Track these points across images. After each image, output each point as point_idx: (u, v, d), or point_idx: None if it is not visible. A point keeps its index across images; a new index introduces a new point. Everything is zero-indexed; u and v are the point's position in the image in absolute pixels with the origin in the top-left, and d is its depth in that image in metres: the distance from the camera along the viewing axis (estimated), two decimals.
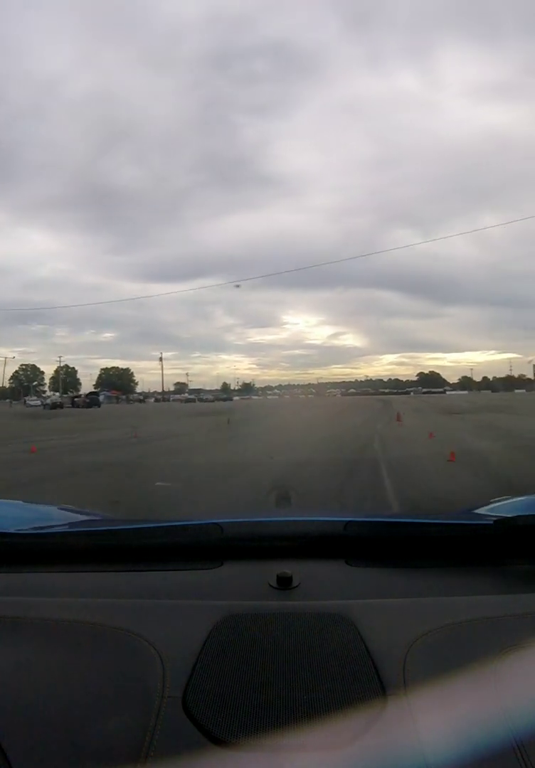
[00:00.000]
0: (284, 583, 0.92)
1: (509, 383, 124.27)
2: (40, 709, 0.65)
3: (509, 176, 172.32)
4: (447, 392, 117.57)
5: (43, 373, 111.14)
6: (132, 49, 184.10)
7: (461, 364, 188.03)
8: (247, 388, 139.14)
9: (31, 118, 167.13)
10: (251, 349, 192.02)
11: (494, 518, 1.09)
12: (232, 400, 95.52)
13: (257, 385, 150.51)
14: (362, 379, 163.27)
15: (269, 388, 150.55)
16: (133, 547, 1.09)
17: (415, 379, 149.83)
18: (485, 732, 0.59)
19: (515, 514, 1.09)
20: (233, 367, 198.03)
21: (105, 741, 0.60)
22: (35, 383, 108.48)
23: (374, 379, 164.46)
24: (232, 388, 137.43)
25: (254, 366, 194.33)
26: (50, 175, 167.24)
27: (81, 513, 1.52)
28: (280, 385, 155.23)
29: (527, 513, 1.13)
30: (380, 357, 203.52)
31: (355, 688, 0.67)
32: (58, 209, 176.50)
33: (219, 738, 0.60)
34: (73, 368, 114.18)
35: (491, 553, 1.02)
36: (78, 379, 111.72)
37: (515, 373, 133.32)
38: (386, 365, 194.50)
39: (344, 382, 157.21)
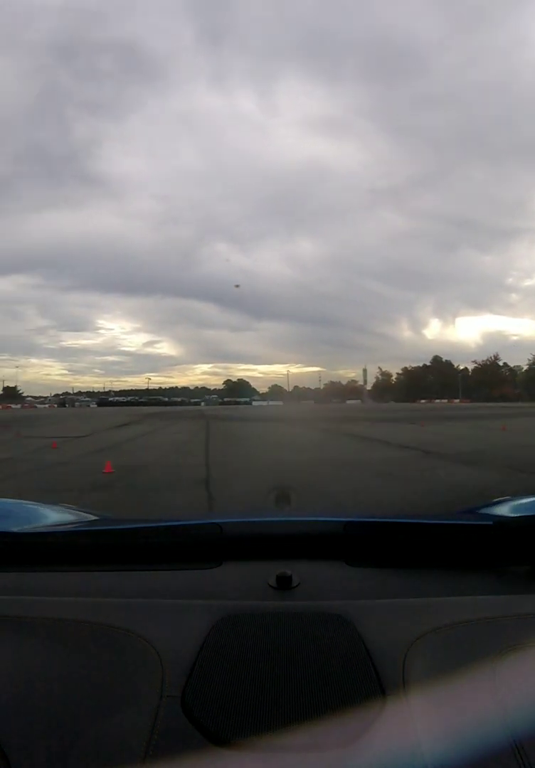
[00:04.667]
0: (284, 583, 0.92)
1: (332, 392, 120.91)
2: (38, 708, 0.65)
3: (326, 205, 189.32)
4: (252, 403, 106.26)
5: None
6: None
7: (269, 375, 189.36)
8: None
9: None
10: (64, 354, 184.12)
11: (494, 518, 1.10)
12: None
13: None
14: (177, 388, 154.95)
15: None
16: (132, 547, 1.08)
17: (222, 387, 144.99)
18: (483, 732, 0.59)
19: (515, 515, 1.10)
20: (43, 372, 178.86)
21: (104, 740, 0.60)
22: None
23: (190, 387, 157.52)
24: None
25: (66, 372, 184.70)
26: None
27: (81, 513, 1.51)
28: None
29: (527, 513, 1.13)
30: (194, 366, 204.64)
31: (354, 688, 0.67)
32: None
33: (218, 738, 0.60)
34: None
35: (490, 553, 1.01)
36: None
37: (321, 386, 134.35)
38: (200, 374, 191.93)
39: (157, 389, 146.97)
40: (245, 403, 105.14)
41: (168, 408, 65.56)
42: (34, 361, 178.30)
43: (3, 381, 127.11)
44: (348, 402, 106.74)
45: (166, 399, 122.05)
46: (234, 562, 1.02)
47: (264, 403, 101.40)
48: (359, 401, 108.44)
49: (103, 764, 0.58)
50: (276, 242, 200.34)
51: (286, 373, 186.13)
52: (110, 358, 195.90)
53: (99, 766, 0.57)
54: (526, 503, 1.35)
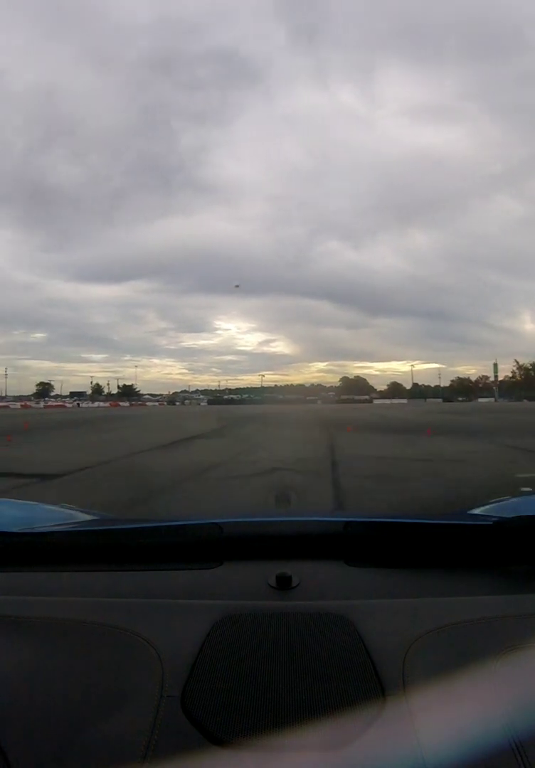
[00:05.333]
0: (284, 583, 0.91)
1: (461, 390, 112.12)
2: (38, 708, 0.65)
3: (439, 195, 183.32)
4: (373, 401, 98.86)
5: None
6: (76, 46, 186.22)
7: (386, 372, 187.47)
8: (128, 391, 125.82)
9: None
10: (183, 354, 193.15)
11: (494, 519, 1.09)
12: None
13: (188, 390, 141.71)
14: (292, 385, 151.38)
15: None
16: (132, 547, 1.08)
17: (338, 384, 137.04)
18: (484, 732, 0.59)
19: (514, 515, 1.10)
20: (164, 371, 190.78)
21: (104, 740, 0.60)
22: None
23: (305, 385, 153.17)
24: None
25: (186, 371, 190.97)
26: None
27: (81, 513, 1.50)
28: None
29: (526, 513, 1.13)
30: (309, 364, 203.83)
31: (354, 688, 0.67)
32: None
33: (218, 737, 0.60)
34: None
35: (490, 553, 1.01)
36: None
37: (443, 384, 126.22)
38: (315, 372, 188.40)
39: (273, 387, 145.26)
40: (365, 400, 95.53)
41: (281, 407, 57.52)
42: (155, 361, 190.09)
43: (121, 380, 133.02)
44: (480, 400, 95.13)
45: (281, 397, 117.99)
46: (234, 562, 1.01)
47: (386, 402, 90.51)
48: (491, 400, 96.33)
49: (103, 764, 0.57)
50: (389, 236, 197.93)
51: (403, 370, 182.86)
52: (227, 358, 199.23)
53: (99, 766, 0.57)
54: (526, 503, 1.36)
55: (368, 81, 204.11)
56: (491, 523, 1.06)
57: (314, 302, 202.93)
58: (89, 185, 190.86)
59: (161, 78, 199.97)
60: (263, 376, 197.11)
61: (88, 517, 1.45)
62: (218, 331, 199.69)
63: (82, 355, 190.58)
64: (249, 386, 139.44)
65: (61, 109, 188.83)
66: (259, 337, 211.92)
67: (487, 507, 1.34)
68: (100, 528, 1.31)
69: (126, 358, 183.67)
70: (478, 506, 1.36)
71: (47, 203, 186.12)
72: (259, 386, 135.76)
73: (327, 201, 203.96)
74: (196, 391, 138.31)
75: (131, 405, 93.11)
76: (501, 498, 1.41)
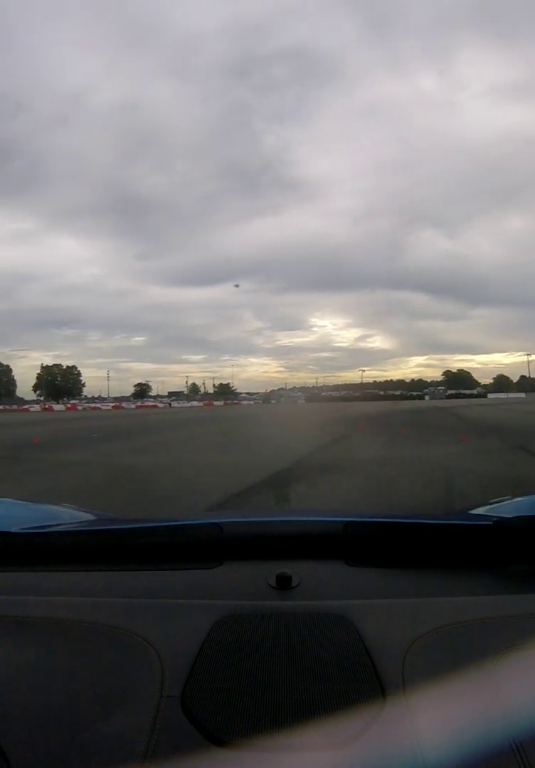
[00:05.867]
0: (284, 583, 0.91)
1: None
2: (38, 708, 0.65)
3: (533, 175, 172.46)
4: (488, 396, 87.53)
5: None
6: (154, 59, 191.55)
7: (489, 365, 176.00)
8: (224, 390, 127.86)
9: (60, 128, 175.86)
10: (279, 352, 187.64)
11: (494, 518, 1.09)
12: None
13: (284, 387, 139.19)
14: (392, 381, 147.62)
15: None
16: (132, 547, 1.08)
17: (440, 379, 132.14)
18: (483, 732, 0.59)
19: (514, 515, 1.09)
20: (261, 370, 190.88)
21: (104, 740, 0.60)
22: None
23: (405, 380, 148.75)
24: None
25: (282, 369, 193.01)
26: (79, 183, 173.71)
27: (81, 512, 1.50)
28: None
29: (526, 513, 1.13)
30: (408, 359, 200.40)
31: (354, 688, 0.67)
32: (87, 216, 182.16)
33: (218, 737, 0.60)
34: (7, 366, 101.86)
35: (490, 553, 1.01)
36: (13, 378, 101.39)
37: None
38: (414, 367, 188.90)
39: (369, 383, 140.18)
40: (478, 395, 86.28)
41: (393, 405, 51.36)
42: (252, 360, 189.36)
43: (218, 380, 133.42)
44: None
45: (382, 392, 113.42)
46: (234, 562, 1.02)
47: (502, 396, 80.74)
48: None
49: (103, 764, 0.57)
50: (484, 222, 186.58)
51: (507, 362, 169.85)
52: (323, 355, 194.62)
53: (99, 766, 0.57)
54: (526, 503, 1.35)
55: (446, 63, 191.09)
56: (491, 523, 1.06)
57: (410, 295, 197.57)
58: (178, 192, 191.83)
59: (238, 81, 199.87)
60: (363, 370, 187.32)
61: (88, 517, 1.44)
62: (314, 328, 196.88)
63: (182, 357, 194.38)
64: (347, 383, 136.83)
65: (146, 120, 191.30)
66: (355, 332, 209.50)
67: (487, 507, 1.33)
68: (100, 528, 1.30)
69: (224, 358, 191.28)
70: (478, 506, 1.35)
71: (140, 213, 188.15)
72: (359, 382, 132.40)
73: (417, 190, 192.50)
74: (293, 389, 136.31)
75: (225, 404, 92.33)
76: (501, 498, 1.39)
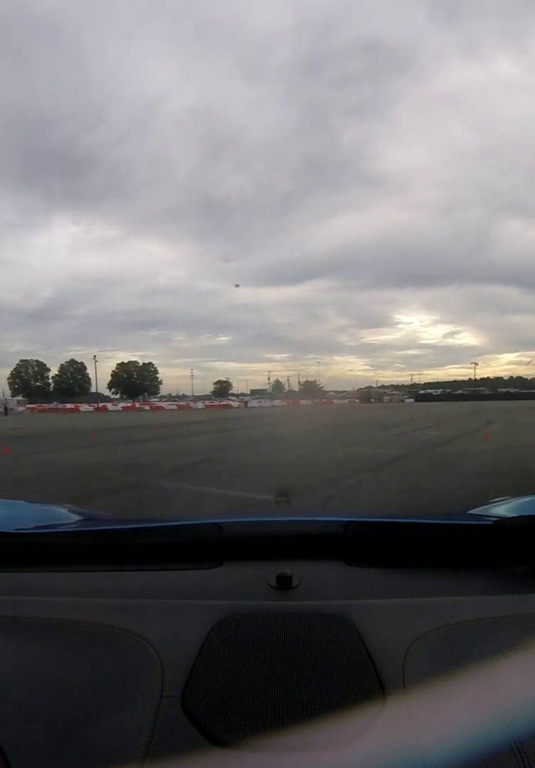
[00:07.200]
0: (284, 583, 0.91)
1: None
2: (38, 708, 0.65)
3: None
4: None
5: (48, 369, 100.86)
6: (227, 62, 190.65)
7: None
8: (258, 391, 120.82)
9: (140, 136, 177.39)
10: (365, 350, 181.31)
11: (494, 518, 1.09)
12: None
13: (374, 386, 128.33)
14: (480, 379, 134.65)
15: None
16: (133, 547, 1.08)
17: None
18: (484, 732, 0.59)
19: (514, 515, 1.10)
20: (346, 367, 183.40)
21: (104, 740, 0.60)
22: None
23: (502, 378, 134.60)
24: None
25: (368, 367, 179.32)
26: (161, 188, 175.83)
27: (81, 512, 1.50)
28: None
29: (526, 513, 1.12)
30: (498, 356, 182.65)
31: (354, 688, 0.67)
32: (170, 220, 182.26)
33: (218, 738, 0.60)
34: (82, 363, 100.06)
35: (490, 553, 1.01)
36: (88, 376, 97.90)
37: None
38: (505, 365, 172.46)
39: (449, 382, 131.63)
40: None
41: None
42: (336, 358, 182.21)
43: (303, 377, 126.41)
44: None
45: (486, 391, 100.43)
46: (234, 562, 1.01)
47: None
48: None
49: (103, 764, 0.57)
50: None
51: None
52: (411, 352, 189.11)
53: (99, 766, 0.57)
54: (526, 503, 1.34)
55: (522, 45, 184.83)
56: (491, 523, 1.05)
57: (499, 288, 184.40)
58: (258, 193, 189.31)
59: (311, 78, 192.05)
60: (473, 365, 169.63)
61: (88, 517, 1.43)
62: (399, 325, 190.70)
63: (265, 355, 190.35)
64: (435, 380, 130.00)
65: (222, 123, 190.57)
66: (443, 329, 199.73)
67: (487, 507, 1.33)
68: (100, 528, 1.30)
69: (308, 356, 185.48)
70: (478, 506, 1.35)
71: (222, 215, 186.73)
72: (452, 380, 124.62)
73: (503, 178, 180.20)
74: (383, 387, 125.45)
75: (314, 402, 79.22)
76: (501, 498, 1.39)
